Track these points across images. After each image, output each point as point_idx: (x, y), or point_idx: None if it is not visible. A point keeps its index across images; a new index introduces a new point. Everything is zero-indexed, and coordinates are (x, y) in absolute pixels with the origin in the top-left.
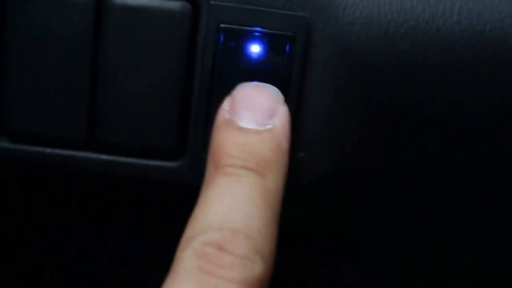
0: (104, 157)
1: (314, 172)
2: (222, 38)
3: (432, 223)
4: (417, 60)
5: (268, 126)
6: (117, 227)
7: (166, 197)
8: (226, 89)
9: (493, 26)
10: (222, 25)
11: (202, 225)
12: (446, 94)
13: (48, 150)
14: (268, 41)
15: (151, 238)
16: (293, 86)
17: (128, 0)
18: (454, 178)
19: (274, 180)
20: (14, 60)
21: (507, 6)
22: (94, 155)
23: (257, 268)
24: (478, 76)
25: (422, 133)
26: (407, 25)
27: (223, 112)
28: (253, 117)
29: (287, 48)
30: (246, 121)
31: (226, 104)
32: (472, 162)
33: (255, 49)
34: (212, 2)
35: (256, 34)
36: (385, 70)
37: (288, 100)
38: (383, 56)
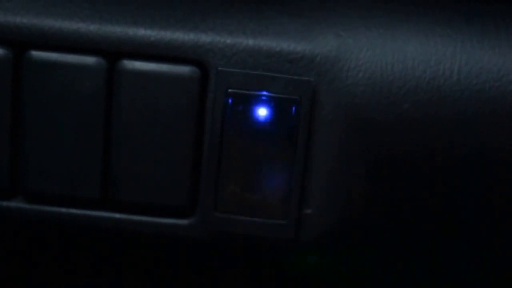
0: (117, 215)
1: (321, 228)
2: (230, 101)
3: (440, 270)
4: (418, 118)
5: None
6: (130, 283)
7: (177, 253)
8: (235, 150)
9: (492, 84)
10: (230, 90)
11: None
12: (446, 148)
13: (63, 209)
14: (274, 104)
15: None
16: (299, 146)
17: (139, 66)
18: (457, 225)
19: None
20: (29, 122)
21: (505, 65)
22: (108, 214)
23: None
24: (478, 131)
25: (425, 186)
26: (409, 85)
27: None
28: None
29: (293, 110)
30: None
31: None
32: (472, 209)
33: (262, 112)
34: (220, 68)
35: (263, 98)
36: (388, 128)
37: (295, 160)
38: (386, 115)
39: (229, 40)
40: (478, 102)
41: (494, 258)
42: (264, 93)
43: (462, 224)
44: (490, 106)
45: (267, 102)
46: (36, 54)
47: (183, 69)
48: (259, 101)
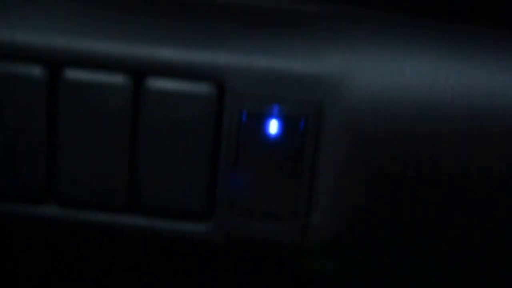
0: (141, 220)
1: (326, 235)
2: (244, 119)
3: (443, 276)
4: (417, 132)
5: None
6: (150, 285)
7: (196, 256)
8: (249, 161)
9: (483, 101)
10: (244, 108)
11: None
12: (443, 160)
13: (92, 214)
14: (284, 122)
15: None
16: (306, 160)
17: (162, 84)
18: (456, 235)
19: None
20: (64, 137)
21: (494, 83)
22: (131, 219)
23: None
24: (471, 145)
25: (423, 197)
26: (406, 105)
27: None
28: None
29: (301, 127)
30: None
31: None
32: (470, 220)
33: (273, 129)
34: (235, 88)
35: (274, 116)
36: (389, 141)
37: (302, 172)
38: (387, 129)
39: (244, 61)
40: (472, 117)
41: (490, 263)
42: (275, 111)
43: (462, 234)
44: (483, 121)
45: (277, 120)
46: (70, 72)
47: (202, 88)
48: (270, 119)
